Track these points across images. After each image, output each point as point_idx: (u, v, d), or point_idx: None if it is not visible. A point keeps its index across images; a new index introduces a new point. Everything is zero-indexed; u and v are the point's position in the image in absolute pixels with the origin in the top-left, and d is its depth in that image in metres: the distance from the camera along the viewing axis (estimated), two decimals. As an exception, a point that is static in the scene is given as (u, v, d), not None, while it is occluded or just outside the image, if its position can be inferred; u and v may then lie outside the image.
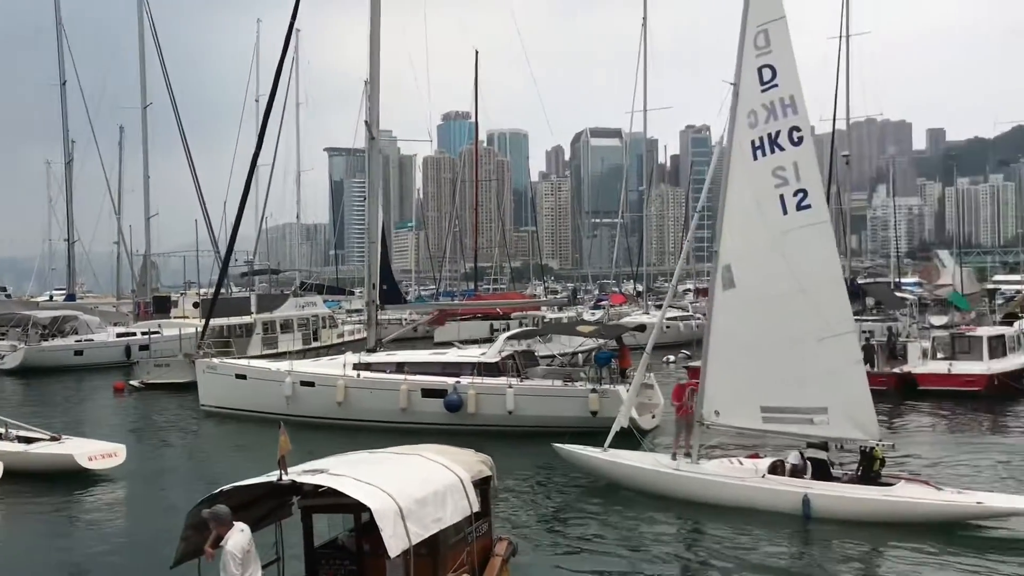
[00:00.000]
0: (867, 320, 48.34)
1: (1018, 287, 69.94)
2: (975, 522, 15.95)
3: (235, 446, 26.65)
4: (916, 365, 34.35)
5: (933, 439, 25.83)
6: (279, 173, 66.92)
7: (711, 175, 20.73)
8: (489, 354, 26.82)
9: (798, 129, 17.07)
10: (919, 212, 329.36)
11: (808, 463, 17.23)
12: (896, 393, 32.49)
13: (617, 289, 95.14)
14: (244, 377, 30.66)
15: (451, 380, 25.74)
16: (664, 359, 39.41)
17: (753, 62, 17.47)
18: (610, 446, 19.32)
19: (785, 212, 17.15)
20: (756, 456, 18.41)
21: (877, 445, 16.92)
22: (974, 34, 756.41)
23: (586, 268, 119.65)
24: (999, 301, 69.48)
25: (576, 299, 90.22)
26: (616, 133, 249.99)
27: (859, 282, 63.72)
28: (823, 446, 17.48)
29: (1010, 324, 44.31)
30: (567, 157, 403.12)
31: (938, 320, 47.95)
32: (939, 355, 34.95)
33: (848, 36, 56.49)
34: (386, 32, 32.17)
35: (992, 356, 33.86)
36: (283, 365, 30.17)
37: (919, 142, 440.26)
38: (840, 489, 16.58)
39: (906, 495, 16.17)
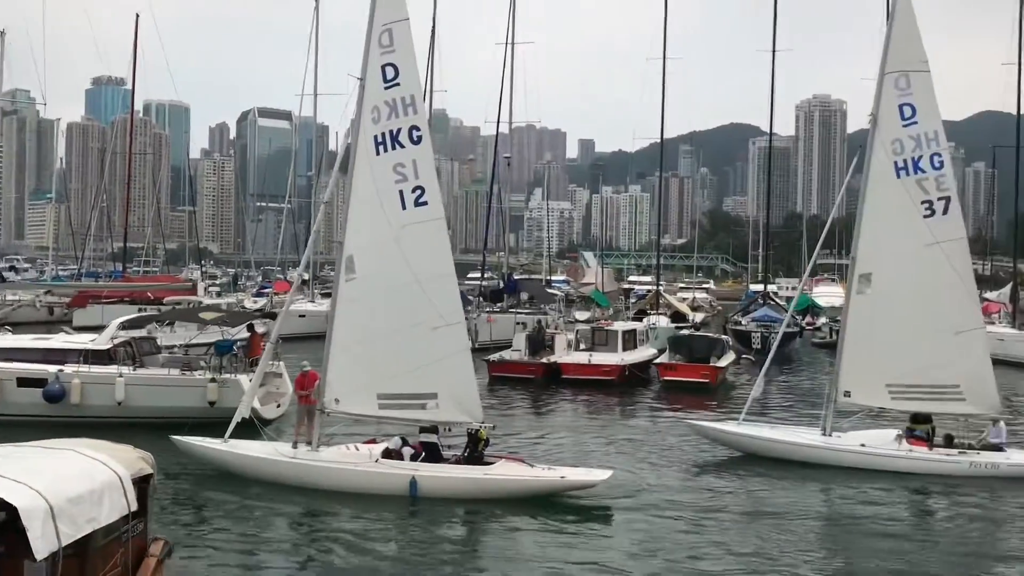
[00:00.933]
0: (521, 313, 51.71)
1: (649, 287, 77.55)
2: (562, 494, 17.69)
3: None
4: (562, 355, 36.99)
5: (566, 422, 28.16)
6: None
7: (338, 166, 21.03)
8: (99, 340, 24.84)
9: (417, 128, 17.88)
10: (570, 216, 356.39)
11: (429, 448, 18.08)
12: (543, 381, 35.08)
13: (282, 276, 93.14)
14: None
15: (53, 368, 23.77)
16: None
17: (378, 59, 18.02)
18: (231, 437, 19.01)
19: (404, 207, 17.91)
20: (373, 442, 19.03)
21: (481, 427, 18.23)
22: (619, 56, 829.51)
23: (249, 253, 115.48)
24: (633, 299, 76.29)
25: (237, 285, 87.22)
26: (286, 115, 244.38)
27: (515, 278, 67.69)
28: (433, 429, 18.50)
29: (640, 320, 49.52)
30: (232, 136, 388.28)
31: (582, 315, 52.18)
32: (581, 346, 38.06)
33: (514, 44, 58.84)
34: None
35: (625, 348, 37.42)
36: None
37: (572, 150, 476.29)
38: (444, 470, 17.67)
39: (502, 473, 17.59)
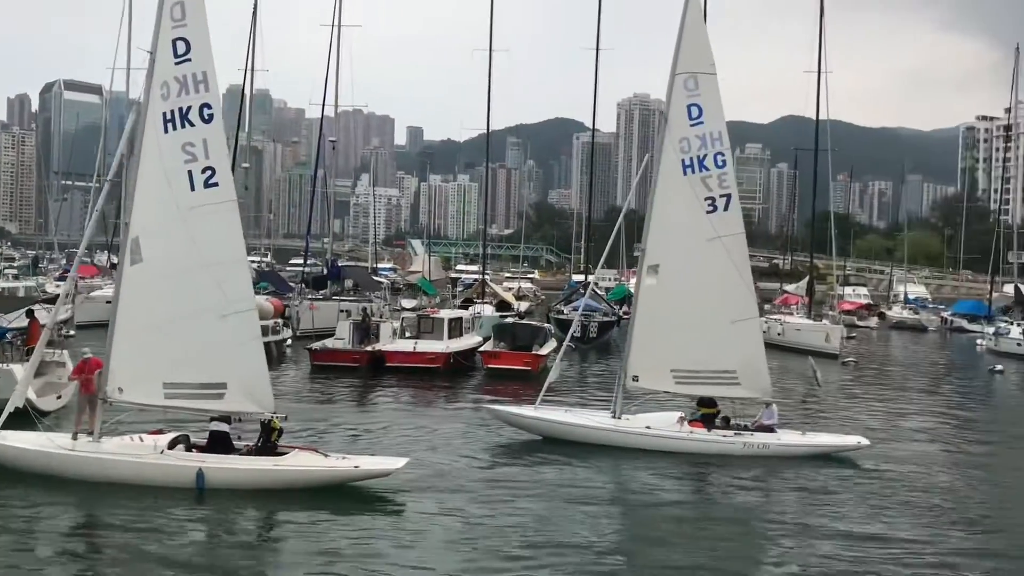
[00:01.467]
0: (345, 300, 50.86)
1: (476, 276, 78.21)
2: (357, 483, 17.54)
3: None
4: (387, 344, 36.63)
5: (388, 411, 27.82)
6: None
7: (123, 144, 19.98)
8: None
9: (209, 106, 17.20)
10: (397, 203, 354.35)
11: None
12: (368, 369, 34.54)
13: (89, 260, 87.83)
14: None
15: None
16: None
17: (169, 33, 17.20)
18: (3, 428, 17.73)
19: (193, 188, 17.21)
20: (159, 432, 18.24)
21: (274, 417, 17.81)
22: (449, 45, 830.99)
23: (52, 235, 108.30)
24: (460, 288, 76.73)
25: (38, 268, 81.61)
26: (96, 89, 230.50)
27: (339, 264, 66.48)
28: (225, 419, 17.92)
29: (467, 308, 49.76)
30: (35, 109, 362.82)
31: (408, 303, 51.94)
32: (407, 334, 37.83)
33: (340, 26, 57.67)
34: None
35: (451, 336, 37.47)
36: None
37: (400, 137, 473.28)
38: (232, 461, 17.15)
39: (294, 463, 17.26)
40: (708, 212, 21.82)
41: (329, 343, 37.12)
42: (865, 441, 21.99)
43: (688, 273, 21.81)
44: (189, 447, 17.55)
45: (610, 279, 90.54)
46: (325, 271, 58.23)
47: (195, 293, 17.26)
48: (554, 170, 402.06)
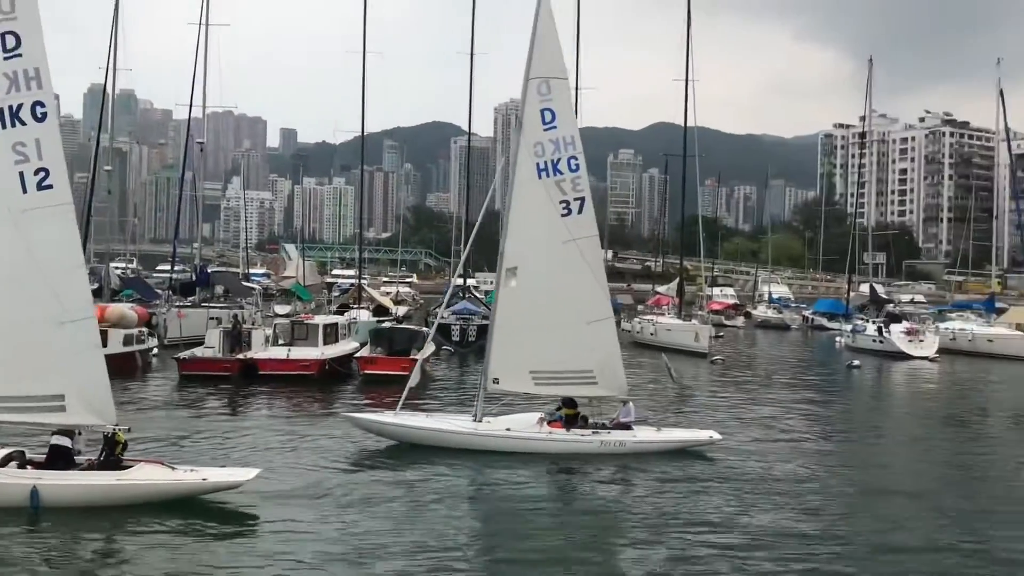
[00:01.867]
0: (215, 307, 49.23)
1: (353, 280, 77.08)
2: (206, 496, 16.84)
3: None
4: (259, 351, 35.59)
5: (257, 421, 26.96)
6: None
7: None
8: None
9: (42, 104, 16.20)
10: (270, 206, 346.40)
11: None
12: (240, 378, 33.35)
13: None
14: None
15: None
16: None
17: (-3, 26, 16.16)
18: None
19: (25, 191, 16.18)
20: (-4, 448, 17.12)
21: (117, 430, 16.96)
22: (323, 46, 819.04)
23: None
24: (336, 293, 75.51)
25: None
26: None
27: (209, 270, 64.38)
28: (69, 433, 16.96)
29: (343, 314, 48.87)
30: None
31: (282, 309, 50.66)
32: (280, 341, 36.86)
33: (208, 24, 56.30)
34: None
35: (326, 343, 36.68)
36: None
37: (273, 139, 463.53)
38: (71, 477, 16.23)
39: (139, 477, 16.45)
40: (563, 215, 21.98)
41: (198, 352, 35.95)
42: (717, 435, 22.59)
43: (545, 275, 21.94)
44: (23, 464, 16.50)
45: (490, 282, 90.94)
46: (194, 277, 56.63)
47: (28, 301, 16.23)
48: (432, 173, 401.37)
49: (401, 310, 66.68)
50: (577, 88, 63.55)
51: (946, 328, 59.79)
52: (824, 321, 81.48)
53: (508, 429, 21.67)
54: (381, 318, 55.65)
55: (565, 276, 21.83)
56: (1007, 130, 64.92)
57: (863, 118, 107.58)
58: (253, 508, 16.66)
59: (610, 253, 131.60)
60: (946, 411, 33.96)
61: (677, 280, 68.77)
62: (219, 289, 56.64)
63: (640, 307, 76.41)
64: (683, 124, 58.25)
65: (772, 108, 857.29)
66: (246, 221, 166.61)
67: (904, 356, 52.77)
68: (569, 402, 22.38)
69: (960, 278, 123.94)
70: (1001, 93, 62.03)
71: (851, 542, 15.79)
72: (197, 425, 25.34)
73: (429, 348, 38.82)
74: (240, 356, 34.96)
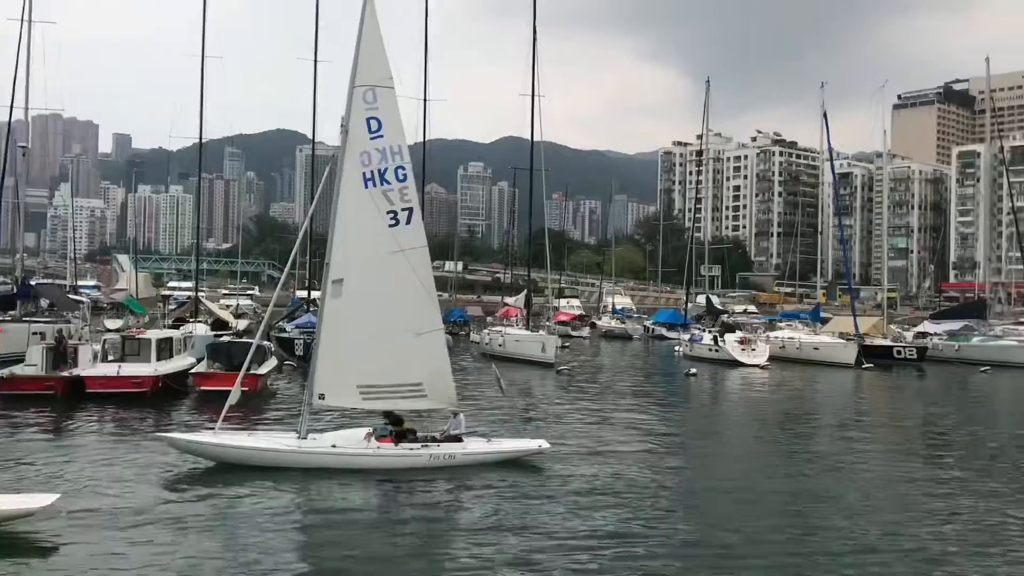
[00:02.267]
0: (39, 322, 46.23)
1: (190, 293, 74.08)
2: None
3: None
4: (86, 368, 33.62)
5: (75, 443, 24.98)
6: None
7: None
8: None
9: None
10: (102, 215, 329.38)
11: None
12: (65, 397, 31.47)
13: None
14: None
15: None
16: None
17: None
18: None
19: None
20: None
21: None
22: (156, 49, 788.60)
23: None
24: (172, 306, 72.33)
25: None
26: None
27: (32, 283, 60.54)
28: None
29: (178, 328, 46.74)
30: None
31: (113, 323, 48.18)
32: (110, 357, 34.91)
33: (31, 21, 52.88)
34: None
35: (160, 358, 34.91)
36: None
37: (106, 145, 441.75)
38: None
39: None
40: (391, 225, 21.52)
41: (18, 369, 33.57)
42: (546, 444, 22.68)
43: (372, 287, 21.42)
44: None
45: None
46: (15, 289, 53.50)
47: None
48: (276, 182, 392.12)
49: (242, 324, 64.67)
50: (425, 100, 64.02)
51: (776, 337, 63.03)
52: (664, 331, 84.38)
53: (334, 446, 20.99)
54: (220, 332, 53.78)
55: (393, 288, 21.40)
56: (831, 150, 69.15)
57: (700, 137, 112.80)
58: (52, 538, 15.35)
59: (460, 265, 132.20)
60: (775, 415, 35.60)
61: (525, 292, 69.66)
62: (43, 302, 53.79)
63: (489, 319, 77.02)
64: (531, 138, 59.21)
65: (617, 125, 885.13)
66: (75, 230, 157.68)
67: (738, 364, 55.20)
68: (394, 418, 22.00)
69: (788, 289, 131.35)
70: (825, 115, 66.27)
71: (673, 540, 16.28)
72: (6, 449, 23.38)
73: (272, 363, 37.72)
74: (65, 373, 33.07)
